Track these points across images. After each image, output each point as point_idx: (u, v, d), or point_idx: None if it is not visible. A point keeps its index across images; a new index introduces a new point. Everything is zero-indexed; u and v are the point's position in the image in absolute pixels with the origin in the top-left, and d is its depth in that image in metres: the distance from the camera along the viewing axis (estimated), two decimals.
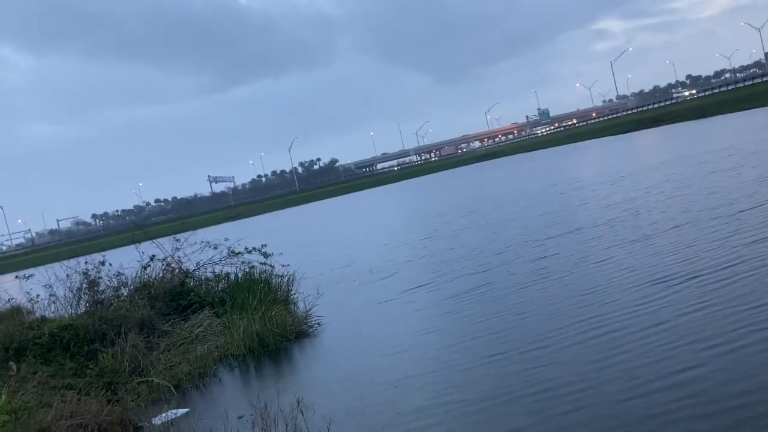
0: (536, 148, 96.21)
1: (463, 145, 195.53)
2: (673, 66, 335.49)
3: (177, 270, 14.55)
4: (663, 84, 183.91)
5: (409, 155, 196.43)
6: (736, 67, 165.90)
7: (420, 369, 8.12)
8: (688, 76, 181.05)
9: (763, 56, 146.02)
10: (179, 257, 14.88)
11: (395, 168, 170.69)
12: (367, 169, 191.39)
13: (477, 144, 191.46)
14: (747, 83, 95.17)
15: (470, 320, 9.80)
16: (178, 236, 15.38)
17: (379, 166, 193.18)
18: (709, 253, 10.17)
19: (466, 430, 6.09)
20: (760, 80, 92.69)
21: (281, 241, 26.35)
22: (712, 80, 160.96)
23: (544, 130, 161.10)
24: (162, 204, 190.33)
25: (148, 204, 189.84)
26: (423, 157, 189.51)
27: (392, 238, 23.60)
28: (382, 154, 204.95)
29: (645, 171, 25.63)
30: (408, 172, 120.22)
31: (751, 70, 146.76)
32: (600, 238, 13.75)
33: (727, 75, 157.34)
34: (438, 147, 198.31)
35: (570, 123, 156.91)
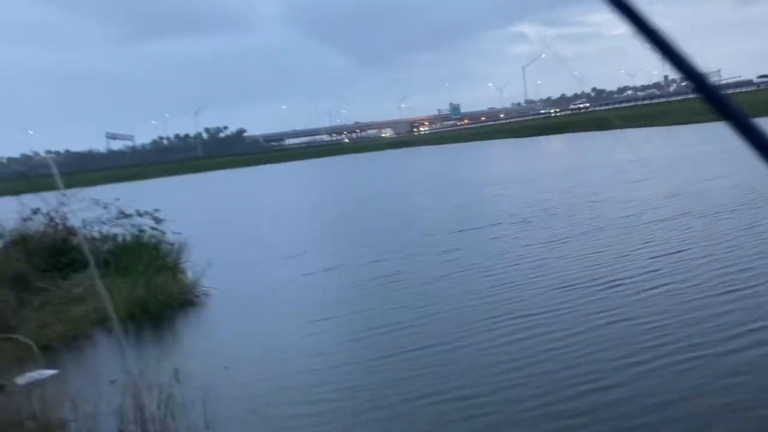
0: (446, 142, 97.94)
1: (373, 131, 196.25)
2: (581, 77, 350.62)
3: (61, 226, 13.94)
4: (570, 94, 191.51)
5: (320, 134, 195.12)
6: (638, 85, 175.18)
7: (307, 349, 8.18)
8: (594, 89, 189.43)
9: (662, 79, 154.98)
10: (65, 213, 14.13)
11: (304, 144, 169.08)
12: (276, 143, 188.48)
13: (389, 131, 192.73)
14: (646, 102, 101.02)
15: (368, 311, 9.57)
16: (65, 191, 14.73)
17: (289, 141, 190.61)
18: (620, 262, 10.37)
19: (344, 413, 6.18)
20: (657, 101, 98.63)
21: (178, 207, 25.51)
22: (615, 95, 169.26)
23: (426, 129, 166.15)
24: (53, 156, 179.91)
25: (37, 154, 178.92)
26: (334, 138, 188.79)
27: (298, 215, 23.43)
28: (292, 130, 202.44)
29: (556, 175, 26.49)
30: (317, 151, 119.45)
31: (650, 91, 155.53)
32: (511, 237, 13.86)
33: (630, 92, 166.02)
34: (350, 129, 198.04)
35: (481, 121, 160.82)
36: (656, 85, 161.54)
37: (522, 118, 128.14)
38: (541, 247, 12.18)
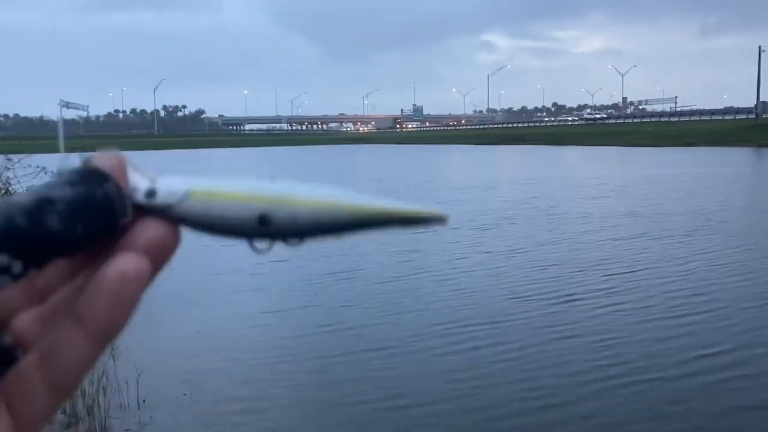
0: (404, 142, 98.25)
1: (334, 124, 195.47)
2: (543, 91, 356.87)
3: (3, 191, 13.43)
4: (531, 106, 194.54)
5: (281, 122, 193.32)
6: (597, 104, 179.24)
7: (239, 329, 8.13)
8: (554, 104, 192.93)
9: (621, 100, 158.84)
10: (8, 178, 13.83)
11: (263, 131, 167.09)
12: (235, 127, 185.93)
13: (350, 126, 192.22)
14: (605, 121, 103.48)
15: (316, 308, 9.38)
16: (10, 156, 14.24)
17: (248, 127, 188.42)
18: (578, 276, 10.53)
19: (276, 405, 6.09)
20: (614, 121, 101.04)
21: None
22: (574, 111, 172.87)
23: (414, 126, 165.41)
24: (1, 119, 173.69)
25: None
26: (294, 128, 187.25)
27: None
28: (276, 116, 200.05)
29: (516, 185, 26.69)
30: (277, 139, 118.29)
31: (609, 111, 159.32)
32: (469, 242, 13.93)
33: (588, 110, 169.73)
34: (312, 120, 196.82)
35: (443, 125, 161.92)
36: (614, 106, 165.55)
37: (482, 127, 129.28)
38: (498, 255, 12.13)
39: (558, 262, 11.47)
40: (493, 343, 7.45)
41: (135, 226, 0.43)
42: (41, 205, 0.39)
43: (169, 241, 0.44)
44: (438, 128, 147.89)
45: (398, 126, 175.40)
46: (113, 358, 6.28)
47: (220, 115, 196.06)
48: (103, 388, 5.88)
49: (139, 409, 5.91)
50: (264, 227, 0.45)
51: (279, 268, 11.88)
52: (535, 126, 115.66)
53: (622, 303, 8.82)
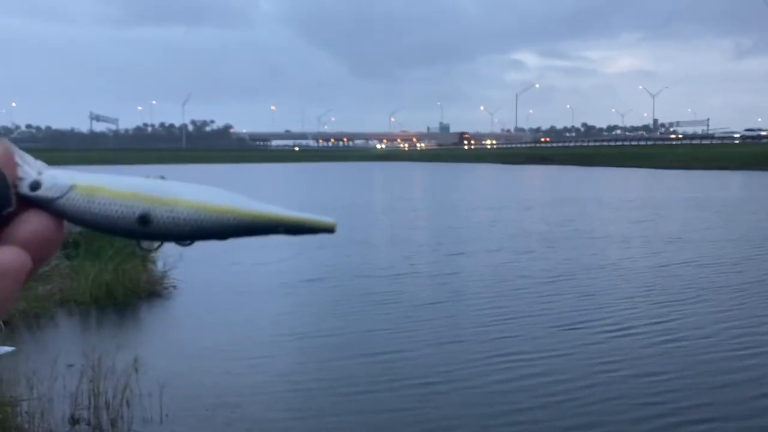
0: (430, 160, 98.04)
1: (360, 141, 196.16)
2: (572, 111, 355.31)
3: None
4: (559, 126, 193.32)
5: (308, 139, 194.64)
6: (628, 126, 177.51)
7: (264, 349, 7.96)
8: (584, 124, 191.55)
9: (652, 121, 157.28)
10: None
11: (295, 148, 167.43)
12: (262, 143, 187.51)
13: (376, 143, 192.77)
14: (633, 143, 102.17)
15: (346, 331, 8.93)
16: None
17: (275, 142, 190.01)
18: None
19: (306, 411, 6.07)
20: (644, 143, 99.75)
21: None
22: (604, 132, 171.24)
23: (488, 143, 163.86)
24: (33, 131, 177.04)
25: (17, 127, 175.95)
26: (321, 144, 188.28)
27: None
28: (285, 131, 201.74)
29: (553, 205, 26.07)
30: (304, 155, 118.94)
31: (639, 132, 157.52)
32: (509, 266, 13.36)
33: (618, 131, 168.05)
34: (338, 137, 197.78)
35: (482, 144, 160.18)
36: (645, 128, 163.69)
37: (509, 146, 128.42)
38: (538, 280, 11.57)
39: (603, 288, 10.94)
40: (536, 374, 6.95)
41: (17, 219, 0.43)
42: None
43: (50, 235, 0.43)
44: (480, 146, 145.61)
45: (465, 143, 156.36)
46: (136, 370, 6.17)
47: (246, 132, 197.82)
48: (126, 401, 5.85)
49: (161, 423, 5.88)
50: (144, 226, 0.45)
51: (311, 288, 11.52)
52: (561, 146, 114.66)
53: (674, 334, 8.24)
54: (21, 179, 0.44)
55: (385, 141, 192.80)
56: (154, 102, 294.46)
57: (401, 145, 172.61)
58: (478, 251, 14.80)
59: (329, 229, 0.49)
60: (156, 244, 0.47)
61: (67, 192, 0.44)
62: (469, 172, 62.62)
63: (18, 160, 0.44)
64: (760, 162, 53.17)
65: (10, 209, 0.42)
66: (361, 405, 6.31)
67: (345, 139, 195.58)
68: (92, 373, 5.99)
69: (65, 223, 0.44)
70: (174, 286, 11.08)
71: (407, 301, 10.17)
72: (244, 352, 7.86)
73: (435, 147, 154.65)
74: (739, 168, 52.36)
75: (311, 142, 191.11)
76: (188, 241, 0.47)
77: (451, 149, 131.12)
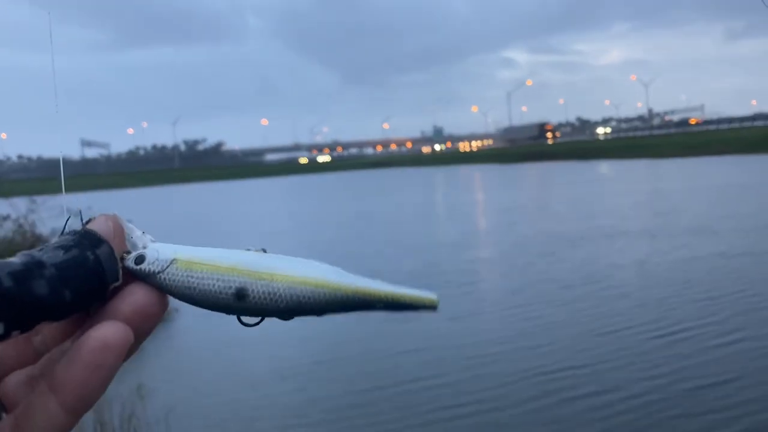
0: (426, 164, 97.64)
1: (354, 150, 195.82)
2: (566, 106, 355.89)
3: (29, 234, 13.52)
4: (554, 121, 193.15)
5: (301, 150, 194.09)
6: (622, 117, 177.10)
7: (274, 364, 7.90)
8: (578, 118, 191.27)
9: (646, 111, 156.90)
10: (33, 220, 13.82)
11: (284, 161, 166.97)
12: (255, 158, 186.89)
13: (370, 150, 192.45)
14: (630, 134, 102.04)
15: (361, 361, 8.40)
16: (35, 198, 14.16)
17: (268, 157, 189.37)
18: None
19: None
20: (640, 133, 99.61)
21: (156, 218, 24.09)
22: (599, 125, 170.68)
23: (436, 148, 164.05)
24: (25, 161, 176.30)
25: (9, 158, 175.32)
26: (315, 155, 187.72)
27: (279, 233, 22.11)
28: (296, 144, 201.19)
29: (562, 202, 25.52)
30: (297, 167, 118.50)
31: (634, 123, 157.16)
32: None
33: (613, 123, 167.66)
34: (332, 147, 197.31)
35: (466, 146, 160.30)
36: (641, 118, 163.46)
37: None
38: (565, 283, 10.93)
39: (637, 288, 10.31)
40: (576, 385, 6.33)
41: (122, 292, 0.43)
42: (31, 268, 0.39)
43: (153, 309, 0.44)
44: (456, 150, 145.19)
45: (548, 134, 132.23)
46: (141, 397, 6.10)
47: (239, 149, 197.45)
48: (134, 428, 5.77)
49: None
50: (241, 301, 0.45)
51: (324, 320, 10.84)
52: (557, 143, 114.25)
53: (725, 334, 7.61)
54: (127, 253, 0.45)
55: (379, 147, 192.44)
56: (144, 124, 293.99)
57: (424, 150, 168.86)
58: (489, 265, 14.18)
59: (431, 307, 0.47)
60: (256, 319, 0.46)
61: (168, 266, 0.45)
62: (465, 174, 61.98)
63: (126, 233, 0.46)
64: (758, 145, 52.71)
65: (117, 283, 0.43)
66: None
67: (339, 149, 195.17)
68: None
69: (168, 297, 0.44)
70: (176, 309, 10.61)
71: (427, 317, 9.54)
72: (249, 373, 7.75)
73: (497, 145, 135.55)
74: (737, 153, 51.90)
75: (305, 154, 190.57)
76: (288, 316, 0.46)
77: (524, 146, 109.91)
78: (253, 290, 0.44)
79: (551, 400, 6.09)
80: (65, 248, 0.41)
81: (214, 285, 0.44)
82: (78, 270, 0.40)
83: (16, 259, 0.39)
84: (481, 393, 6.41)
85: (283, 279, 0.44)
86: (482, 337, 8.35)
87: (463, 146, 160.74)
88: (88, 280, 0.41)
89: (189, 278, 0.44)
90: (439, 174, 64.55)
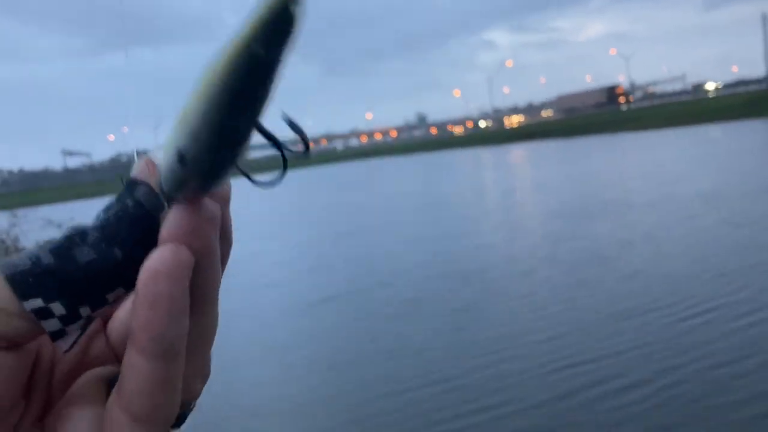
0: (413, 151, 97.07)
1: (338, 142, 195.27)
2: (547, 85, 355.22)
3: (12, 249, 12.88)
4: (537, 101, 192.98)
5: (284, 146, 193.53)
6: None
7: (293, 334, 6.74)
8: (559, 96, 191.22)
9: (629, 85, 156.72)
10: (16, 234, 12.94)
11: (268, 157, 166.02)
12: None
13: (355, 141, 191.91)
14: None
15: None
16: (15, 211, 13.66)
17: (252, 154, 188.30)
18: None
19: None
20: (625, 108, 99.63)
21: None
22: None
23: (420, 134, 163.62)
24: (6, 175, 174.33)
25: None
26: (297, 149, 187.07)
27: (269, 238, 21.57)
28: (291, 142, 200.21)
29: (562, 181, 25.19)
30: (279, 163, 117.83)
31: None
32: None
33: None
34: (316, 140, 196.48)
35: (449, 130, 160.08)
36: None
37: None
38: (570, 263, 10.42)
39: (644, 266, 9.68)
40: (602, 379, 5.75)
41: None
42: (72, 238, 0.38)
43: (190, 220, 0.38)
44: (439, 135, 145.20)
45: (620, 99, 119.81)
46: None
47: None
48: None
49: None
50: (182, 163, 0.38)
51: (332, 304, 10.39)
52: (542, 122, 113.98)
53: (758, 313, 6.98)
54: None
55: (364, 138, 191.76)
56: (125, 129, 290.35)
57: (432, 131, 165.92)
58: (495, 239, 13.72)
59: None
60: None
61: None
62: (452, 159, 61.52)
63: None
64: (740, 111, 52.59)
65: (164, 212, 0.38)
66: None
67: (323, 141, 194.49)
68: None
69: (213, 204, 0.39)
70: None
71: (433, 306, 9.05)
72: (270, 358, 7.69)
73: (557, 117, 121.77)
74: (720, 120, 51.77)
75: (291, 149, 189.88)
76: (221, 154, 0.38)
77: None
78: (185, 147, 0.36)
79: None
80: (106, 209, 0.39)
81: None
82: (120, 223, 0.38)
83: (59, 236, 0.38)
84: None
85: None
86: None
87: (510, 121, 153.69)
88: (134, 227, 0.38)
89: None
90: (485, 157, 63.96)
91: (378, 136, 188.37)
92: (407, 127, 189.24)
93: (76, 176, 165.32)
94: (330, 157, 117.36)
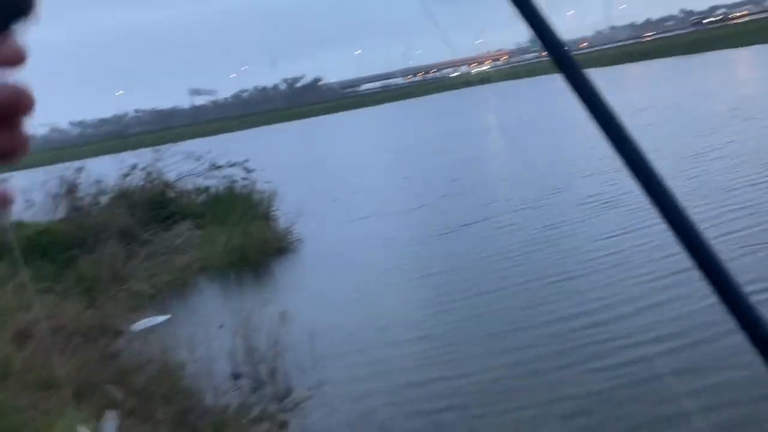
0: (523, 76, 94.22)
1: (449, 70, 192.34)
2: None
3: (157, 180, 14.49)
4: (656, 17, 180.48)
5: (395, 77, 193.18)
6: (729, 2, 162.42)
7: (400, 288, 8.26)
8: (682, 10, 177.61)
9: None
10: (160, 168, 14.69)
11: (379, 89, 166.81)
12: (351, 89, 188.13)
13: (465, 68, 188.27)
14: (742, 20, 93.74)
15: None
16: (158, 148, 15.32)
17: (364, 86, 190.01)
18: None
19: (445, 347, 6.26)
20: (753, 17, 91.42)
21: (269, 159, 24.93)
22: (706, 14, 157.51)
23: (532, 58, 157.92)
24: (140, 115, 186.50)
25: (127, 114, 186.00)
26: (409, 80, 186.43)
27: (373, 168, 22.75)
28: (390, 72, 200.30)
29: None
30: (391, 95, 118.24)
31: (745, 7, 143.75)
32: None
33: (723, 10, 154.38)
34: (426, 70, 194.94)
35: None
36: (751, 0, 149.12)
37: (603, 47, 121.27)
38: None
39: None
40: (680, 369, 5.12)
41: None
42: None
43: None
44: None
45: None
46: (284, 323, 6.51)
47: (336, 81, 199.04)
48: (280, 352, 6.13)
49: (315, 369, 6.20)
50: None
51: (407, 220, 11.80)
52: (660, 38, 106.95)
53: None
54: None
55: (474, 65, 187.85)
56: (245, 68, 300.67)
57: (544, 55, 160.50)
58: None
59: None
60: None
61: None
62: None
63: None
64: None
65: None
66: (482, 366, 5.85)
67: (432, 71, 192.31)
68: (243, 330, 6.34)
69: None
70: (299, 239, 11.65)
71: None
72: (379, 293, 8.18)
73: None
74: None
75: (399, 80, 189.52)
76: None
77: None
78: None
79: None
80: None
81: None
82: None
83: None
84: None
85: None
86: None
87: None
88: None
89: None
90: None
91: (488, 63, 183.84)
92: (518, 51, 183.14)
93: (203, 113, 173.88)
94: (439, 86, 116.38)
